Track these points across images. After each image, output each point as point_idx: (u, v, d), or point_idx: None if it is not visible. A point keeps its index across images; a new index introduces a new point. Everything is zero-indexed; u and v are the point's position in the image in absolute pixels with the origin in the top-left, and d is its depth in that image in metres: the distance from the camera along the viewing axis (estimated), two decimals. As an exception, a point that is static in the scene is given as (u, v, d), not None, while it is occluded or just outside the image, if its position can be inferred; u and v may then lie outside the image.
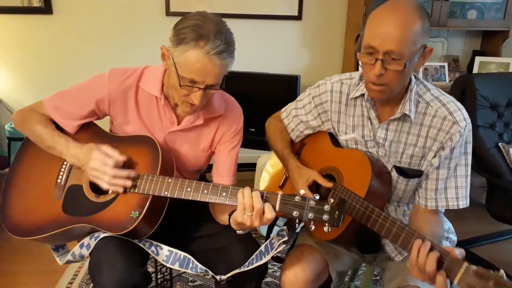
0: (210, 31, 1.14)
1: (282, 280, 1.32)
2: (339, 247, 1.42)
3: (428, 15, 1.15)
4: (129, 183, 1.22)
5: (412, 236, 1.10)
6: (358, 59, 1.17)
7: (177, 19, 1.22)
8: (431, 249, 1.05)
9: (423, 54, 1.16)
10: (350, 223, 1.24)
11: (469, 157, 1.26)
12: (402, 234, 1.12)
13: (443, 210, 1.39)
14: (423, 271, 1.04)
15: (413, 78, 1.25)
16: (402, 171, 1.29)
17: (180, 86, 1.19)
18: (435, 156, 1.25)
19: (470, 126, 1.24)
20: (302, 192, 1.11)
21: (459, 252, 1.03)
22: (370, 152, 1.34)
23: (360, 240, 1.33)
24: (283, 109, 1.57)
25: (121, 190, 1.22)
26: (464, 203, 1.26)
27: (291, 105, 1.54)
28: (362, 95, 1.31)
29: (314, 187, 1.35)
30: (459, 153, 1.24)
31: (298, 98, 1.52)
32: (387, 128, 1.29)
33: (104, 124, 1.43)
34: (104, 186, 1.22)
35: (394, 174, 1.31)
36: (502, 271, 0.95)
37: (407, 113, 1.23)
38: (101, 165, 1.21)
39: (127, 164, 1.28)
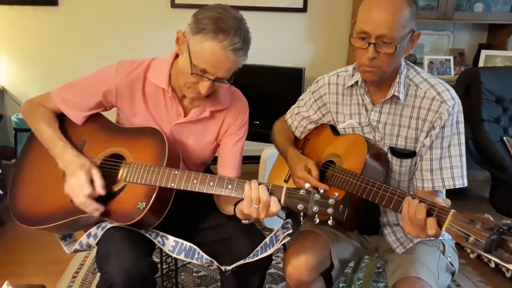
0: (231, 26, 1.15)
1: (285, 265, 1.34)
2: (340, 233, 1.45)
3: (415, 2, 1.23)
4: (96, 214, 1.23)
5: (403, 196, 1.15)
6: (352, 44, 1.24)
7: (182, 11, 1.24)
8: (420, 201, 1.10)
9: (411, 38, 1.23)
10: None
11: (462, 136, 1.29)
12: (394, 197, 1.17)
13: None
14: (414, 222, 1.09)
15: (403, 62, 1.32)
16: (396, 152, 1.34)
17: (191, 73, 1.20)
18: (426, 136, 1.29)
19: (459, 106, 1.28)
20: (307, 185, 1.13)
21: (443, 200, 1.09)
22: (367, 138, 1.39)
23: (360, 219, 1.36)
24: (287, 111, 1.65)
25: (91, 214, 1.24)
26: (460, 182, 1.29)
27: (293, 106, 1.62)
28: (357, 82, 1.38)
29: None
30: (450, 133, 1.27)
31: (299, 98, 1.60)
32: (380, 111, 1.35)
33: (110, 115, 1.44)
34: (75, 204, 1.24)
35: (389, 155, 1.36)
36: (487, 214, 0.98)
37: (396, 94, 1.29)
38: (77, 188, 1.22)
39: (134, 158, 1.29)
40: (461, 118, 1.29)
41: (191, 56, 1.19)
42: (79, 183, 1.22)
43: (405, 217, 1.12)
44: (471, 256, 0.98)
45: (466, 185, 1.29)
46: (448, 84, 1.32)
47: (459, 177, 1.28)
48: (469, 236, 0.97)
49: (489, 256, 0.94)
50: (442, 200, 1.09)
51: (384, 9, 1.16)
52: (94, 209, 1.22)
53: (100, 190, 1.24)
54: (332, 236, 1.42)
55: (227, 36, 1.15)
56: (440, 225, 1.05)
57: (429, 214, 1.07)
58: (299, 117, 1.58)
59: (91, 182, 1.24)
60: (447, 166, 1.28)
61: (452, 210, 1.04)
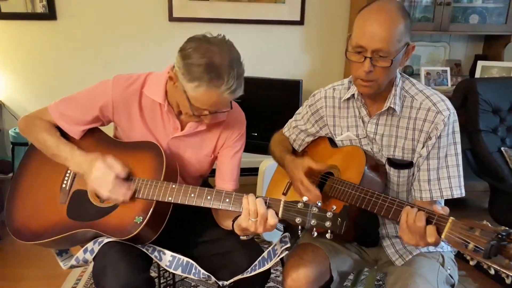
0: (224, 68, 1.15)
1: (284, 278, 1.33)
2: (340, 245, 1.44)
3: (409, 15, 1.24)
4: (128, 196, 1.23)
5: (402, 205, 1.15)
6: (348, 58, 1.25)
7: (180, 24, 1.24)
8: (419, 210, 1.10)
9: (406, 51, 1.24)
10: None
11: (458, 146, 1.30)
12: (393, 206, 1.17)
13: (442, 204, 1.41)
14: (413, 230, 1.09)
15: (398, 74, 1.33)
16: (393, 163, 1.35)
17: (193, 115, 1.23)
18: (423, 146, 1.29)
19: (455, 117, 1.29)
20: (305, 198, 1.12)
21: (442, 208, 1.09)
22: (365, 150, 1.39)
23: (359, 231, 1.35)
24: (285, 125, 1.66)
25: (120, 200, 1.23)
26: (458, 192, 1.29)
27: (291, 119, 1.63)
28: (353, 95, 1.39)
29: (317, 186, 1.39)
30: (447, 143, 1.28)
31: (297, 112, 1.61)
32: (376, 123, 1.36)
33: (108, 130, 1.44)
34: (104, 196, 1.24)
35: (387, 166, 1.36)
36: (486, 221, 0.98)
37: (392, 106, 1.30)
38: (102, 176, 1.22)
39: (131, 170, 1.29)
40: (457, 128, 1.30)
41: (190, 99, 1.21)
42: (102, 171, 1.23)
43: (403, 226, 1.12)
44: (471, 263, 0.98)
45: (464, 195, 1.30)
46: (444, 95, 1.32)
47: (457, 187, 1.28)
48: (469, 243, 0.97)
49: (489, 263, 0.93)
50: (441, 208, 1.09)
51: (380, 24, 1.17)
52: (126, 187, 1.23)
53: (122, 169, 1.25)
54: (331, 249, 1.41)
55: (222, 82, 1.15)
56: (439, 232, 1.05)
57: (428, 222, 1.08)
58: (296, 130, 1.58)
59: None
60: (444, 176, 1.29)
61: (451, 218, 1.04)
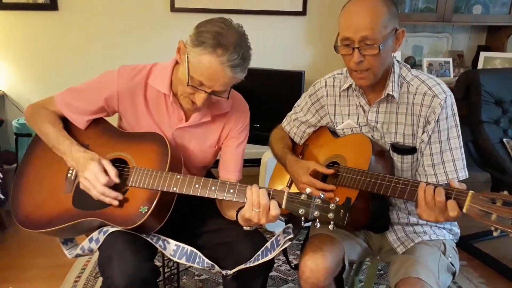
0: (231, 42, 1.16)
1: (302, 269, 1.32)
2: (350, 233, 1.44)
3: (394, 2, 1.27)
4: (115, 203, 1.24)
5: (416, 185, 1.16)
6: (338, 53, 1.28)
7: (182, 15, 1.24)
8: (436, 186, 1.11)
9: (396, 36, 1.26)
10: (358, 197, 1.28)
11: (459, 128, 1.31)
12: (407, 187, 1.18)
13: None
14: (432, 206, 1.10)
15: (395, 62, 1.34)
16: (397, 149, 1.36)
17: (188, 85, 1.21)
18: (423, 132, 1.31)
19: (452, 99, 1.30)
20: (308, 190, 1.13)
21: (459, 184, 1.10)
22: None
23: (372, 218, 1.35)
24: (284, 119, 1.66)
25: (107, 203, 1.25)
26: (463, 174, 1.30)
27: (289, 113, 1.64)
28: (351, 85, 1.41)
29: (321, 179, 1.39)
30: (447, 126, 1.29)
31: (295, 105, 1.61)
32: (376, 111, 1.37)
33: (112, 120, 1.45)
34: (93, 197, 1.25)
35: (391, 152, 1.37)
36: (506, 191, 1.00)
37: (391, 93, 1.32)
38: (93, 179, 1.23)
39: (137, 163, 1.30)
40: (456, 110, 1.31)
41: (189, 67, 1.20)
42: (94, 174, 1.23)
43: (422, 203, 1.13)
44: (495, 234, 0.99)
45: (467, 176, 1.30)
46: (439, 79, 1.33)
47: (462, 169, 1.29)
48: (492, 213, 0.98)
49: None
50: (458, 184, 1.10)
51: (362, 13, 1.20)
52: (114, 197, 1.24)
53: (114, 178, 1.25)
54: (344, 237, 1.41)
55: (226, 52, 1.15)
56: (459, 207, 1.06)
57: (447, 197, 1.09)
58: (297, 122, 1.59)
59: (105, 172, 1.25)
60: (449, 159, 1.29)
61: (471, 191, 1.05)
